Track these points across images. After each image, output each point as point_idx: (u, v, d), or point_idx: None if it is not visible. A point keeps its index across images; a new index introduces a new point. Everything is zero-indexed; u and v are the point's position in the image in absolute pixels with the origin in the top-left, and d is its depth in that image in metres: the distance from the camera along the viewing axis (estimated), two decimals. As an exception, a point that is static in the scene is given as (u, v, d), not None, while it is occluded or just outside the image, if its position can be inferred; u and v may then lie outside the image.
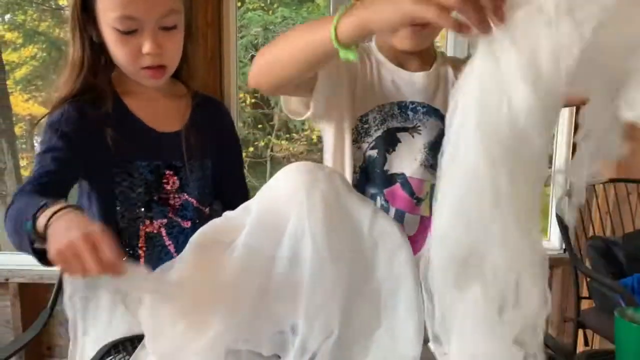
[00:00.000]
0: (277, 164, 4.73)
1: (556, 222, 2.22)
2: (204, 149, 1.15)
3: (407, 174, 1.12)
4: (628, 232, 2.17)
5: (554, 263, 2.45)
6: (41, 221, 0.78)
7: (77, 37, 1.06)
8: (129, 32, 1.01)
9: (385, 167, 1.13)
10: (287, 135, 4.71)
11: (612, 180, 2.23)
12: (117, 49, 1.04)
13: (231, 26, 2.30)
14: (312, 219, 0.76)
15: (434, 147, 1.10)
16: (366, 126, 1.13)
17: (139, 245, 1.12)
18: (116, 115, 1.08)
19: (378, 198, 1.13)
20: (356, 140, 1.14)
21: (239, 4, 3.07)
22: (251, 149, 4.12)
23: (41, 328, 1.42)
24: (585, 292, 2.14)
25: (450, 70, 1.17)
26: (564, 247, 2.43)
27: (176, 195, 1.13)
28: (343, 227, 0.79)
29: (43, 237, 0.78)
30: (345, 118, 1.12)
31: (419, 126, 1.12)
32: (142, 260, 1.12)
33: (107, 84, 1.10)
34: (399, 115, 1.12)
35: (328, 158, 1.16)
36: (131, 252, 1.12)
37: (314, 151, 4.46)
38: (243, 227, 0.80)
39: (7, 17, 4.01)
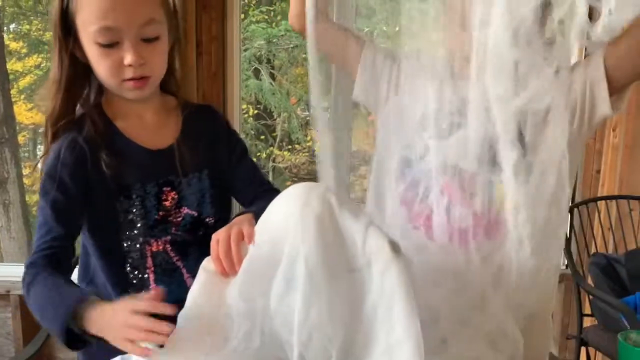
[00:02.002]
0: (279, 174, 4.74)
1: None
2: (200, 159, 1.15)
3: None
4: (630, 249, 2.16)
5: (556, 279, 2.45)
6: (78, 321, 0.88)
7: (56, 55, 1.06)
8: (110, 45, 1.01)
9: None
10: (289, 147, 4.72)
11: (614, 197, 2.23)
12: (99, 64, 1.04)
13: (235, 39, 2.32)
14: (306, 241, 0.76)
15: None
16: None
17: (147, 266, 1.12)
18: (108, 140, 1.09)
19: None
20: None
21: (243, 16, 3.08)
22: (254, 159, 4.14)
23: (42, 343, 1.42)
24: (587, 309, 2.13)
25: None
26: (566, 263, 2.42)
27: (176, 211, 1.13)
28: (338, 247, 0.78)
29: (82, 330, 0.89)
30: None
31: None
32: (152, 280, 1.12)
33: (93, 107, 1.10)
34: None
35: None
36: (140, 275, 1.12)
37: (315, 162, 4.46)
38: (246, 253, 0.81)
39: (12, 26, 4.03)
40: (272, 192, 1.17)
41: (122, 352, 0.92)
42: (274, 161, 4.69)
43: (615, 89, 0.94)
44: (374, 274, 0.77)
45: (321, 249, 0.77)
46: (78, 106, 1.11)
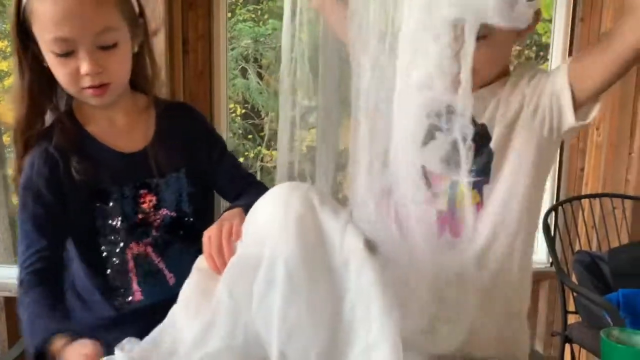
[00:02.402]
0: (268, 174, 4.73)
1: (543, 236, 2.24)
2: (177, 159, 1.14)
3: None
4: (613, 247, 2.19)
5: (540, 277, 2.47)
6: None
7: (17, 65, 1.04)
8: (65, 55, 0.99)
9: None
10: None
11: (598, 195, 2.25)
12: (57, 72, 1.02)
13: (221, 38, 2.31)
14: (286, 242, 0.77)
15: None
16: None
17: (129, 269, 1.11)
18: (79, 146, 1.08)
19: None
20: None
21: (230, 15, 3.08)
22: (242, 159, 4.12)
23: (27, 344, 1.41)
24: (572, 307, 2.15)
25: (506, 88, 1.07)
26: (550, 260, 2.45)
27: (155, 213, 1.12)
28: (319, 246, 0.78)
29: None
30: None
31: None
32: (134, 282, 1.12)
33: (63, 113, 1.09)
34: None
35: None
36: (122, 278, 1.11)
37: (302, 161, 4.45)
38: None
39: (-4, 25, 3.99)
40: (257, 185, 1.18)
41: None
42: (262, 161, 4.68)
43: (582, 101, 0.96)
44: (352, 273, 0.77)
45: (302, 249, 0.77)
46: (49, 113, 1.10)
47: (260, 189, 0.95)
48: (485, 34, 0.87)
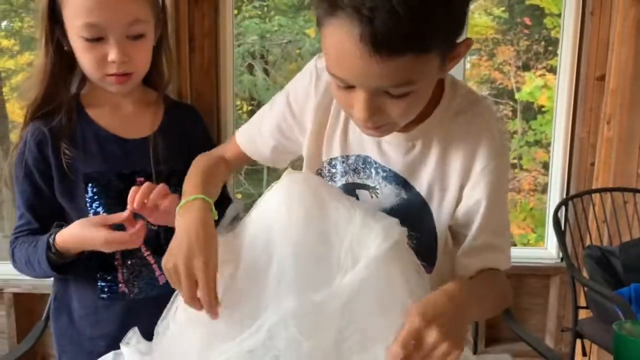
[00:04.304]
0: (273, 171, 4.73)
1: (553, 231, 2.22)
2: (175, 156, 1.14)
3: None
4: (625, 241, 2.17)
5: (551, 272, 2.45)
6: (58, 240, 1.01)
7: (43, 45, 1.06)
8: (95, 40, 1.02)
9: None
10: (284, 143, 4.70)
11: (609, 190, 2.23)
12: (83, 56, 1.04)
13: (227, 34, 2.31)
14: (295, 232, 0.77)
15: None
16: (333, 170, 0.99)
17: (115, 257, 1.11)
18: (79, 127, 1.10)
19: None
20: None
21: (236, 12, 3.07)
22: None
23: (35, 340, 1.41)
24: (583, 302, 2.13)
25: (438, 142, 0.91)
26: (561, 256, 2.43)
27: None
28: (325, 237, 0.78)
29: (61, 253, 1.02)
30: (310, 161, 1.00)
31: (378, 189, 0.94)
32: (119, 274, 1.12)
33: (69, 95, 1.11)
34: (362, 170, 0.95)
35: None
36: (109, 267, 1.11)
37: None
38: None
39: (4, 24, 4.00)
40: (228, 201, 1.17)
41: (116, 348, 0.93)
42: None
43: None
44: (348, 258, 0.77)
45: (310, 240, 0.77)
46: None
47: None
48: (406, 92, 0.75)
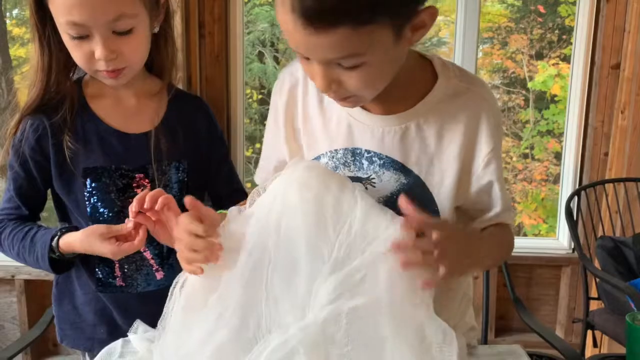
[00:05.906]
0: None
1: (565, 222, 2.20)
2: (179, 149, 1.12)
3: None
4: (638, 232, 2.15)
5: (562, 263, 2.44)
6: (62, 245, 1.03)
7: (36, 43, 1.04)
8: (80, 37, 0.99)
9: None
10: (294, 132, 4.69)
11: (622, 180, 2.21)
12: (72, 52, 1.02)
13: (238, 22, 2.30)
14: (302, 219, 0.78)
15: (389, 203, 0.89)
16: None
17: None
18: (80, 121, 1.08)
19: None
20: None
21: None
22: (258, 145, 4.11)
23: (46, 326, 1.42)
24: (594, 293, 2.12)
25: (435, 123, 0.90)
26: (573, 246, 2.41)
27: None
28: (333, 223, 0.78)
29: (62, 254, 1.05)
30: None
31: (374, 178, 0.93)
32: (117, 267, 1.11)
33: (70, 87, 1.09)
34: (352, 163, 0.94)
35: None
36: (106, 264, 1.10)
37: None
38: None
39: (15, 12, 4.01)
40: (242, 195, 1.17)
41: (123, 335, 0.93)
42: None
43: None
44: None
45: (317, 226, 0.77)
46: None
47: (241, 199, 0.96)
48: (356, 64, 0.74)
